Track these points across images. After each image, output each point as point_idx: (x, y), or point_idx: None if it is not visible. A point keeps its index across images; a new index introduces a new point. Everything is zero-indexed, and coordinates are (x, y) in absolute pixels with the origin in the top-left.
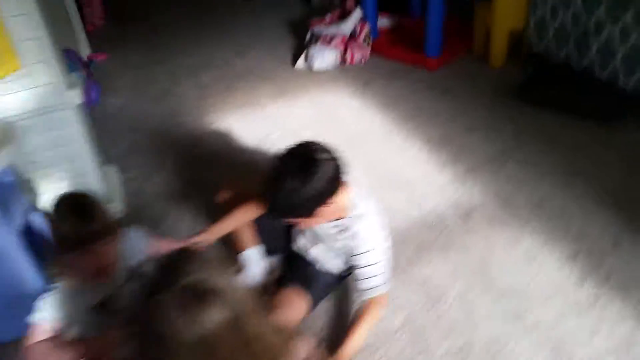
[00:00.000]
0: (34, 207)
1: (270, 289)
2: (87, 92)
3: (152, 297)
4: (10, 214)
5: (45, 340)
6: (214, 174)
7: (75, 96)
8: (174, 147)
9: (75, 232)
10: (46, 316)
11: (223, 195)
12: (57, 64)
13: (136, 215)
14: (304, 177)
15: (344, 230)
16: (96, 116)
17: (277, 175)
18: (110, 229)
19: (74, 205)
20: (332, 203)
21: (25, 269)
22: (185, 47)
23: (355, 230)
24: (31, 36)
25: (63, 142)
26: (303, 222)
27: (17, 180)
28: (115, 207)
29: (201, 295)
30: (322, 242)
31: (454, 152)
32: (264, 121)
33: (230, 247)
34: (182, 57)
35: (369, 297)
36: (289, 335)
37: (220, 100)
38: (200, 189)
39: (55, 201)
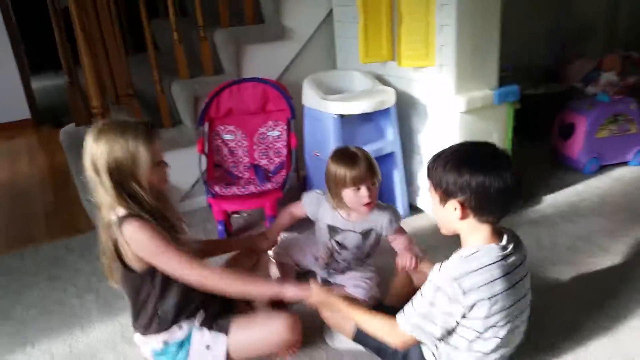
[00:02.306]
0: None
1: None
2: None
3: None
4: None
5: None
6: None
7: (459, 104)
8: None
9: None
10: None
11: None
12: (456, 72)
13: None
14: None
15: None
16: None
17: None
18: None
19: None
20: (466, 213)
21: None
22: None
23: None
24: (446, 43)
25: (438, 136)
26: (433, 200)
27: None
28: None
29: None
30: None
31: None
32: None
33: None
34: None
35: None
36: None
37: None
38: None
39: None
